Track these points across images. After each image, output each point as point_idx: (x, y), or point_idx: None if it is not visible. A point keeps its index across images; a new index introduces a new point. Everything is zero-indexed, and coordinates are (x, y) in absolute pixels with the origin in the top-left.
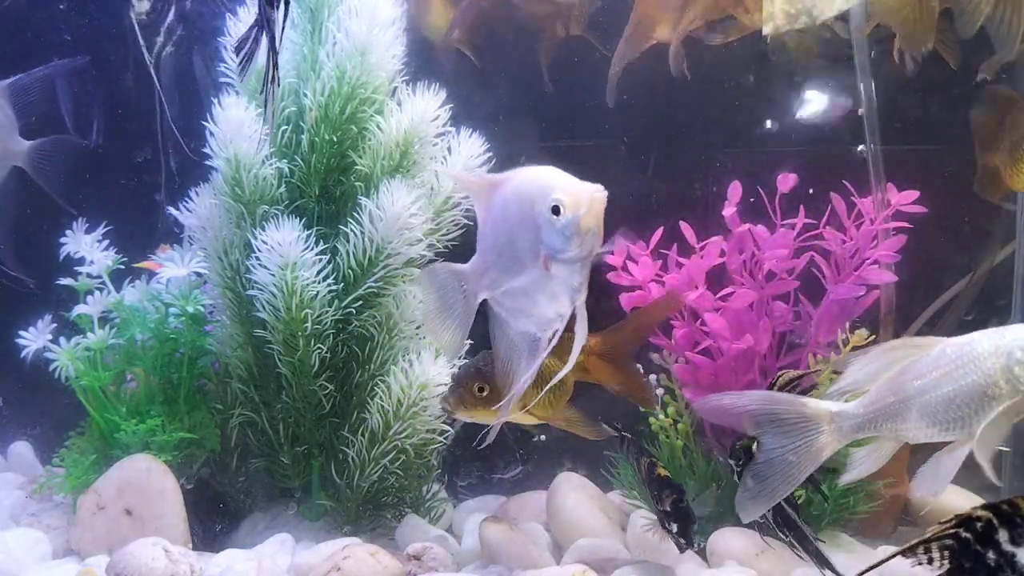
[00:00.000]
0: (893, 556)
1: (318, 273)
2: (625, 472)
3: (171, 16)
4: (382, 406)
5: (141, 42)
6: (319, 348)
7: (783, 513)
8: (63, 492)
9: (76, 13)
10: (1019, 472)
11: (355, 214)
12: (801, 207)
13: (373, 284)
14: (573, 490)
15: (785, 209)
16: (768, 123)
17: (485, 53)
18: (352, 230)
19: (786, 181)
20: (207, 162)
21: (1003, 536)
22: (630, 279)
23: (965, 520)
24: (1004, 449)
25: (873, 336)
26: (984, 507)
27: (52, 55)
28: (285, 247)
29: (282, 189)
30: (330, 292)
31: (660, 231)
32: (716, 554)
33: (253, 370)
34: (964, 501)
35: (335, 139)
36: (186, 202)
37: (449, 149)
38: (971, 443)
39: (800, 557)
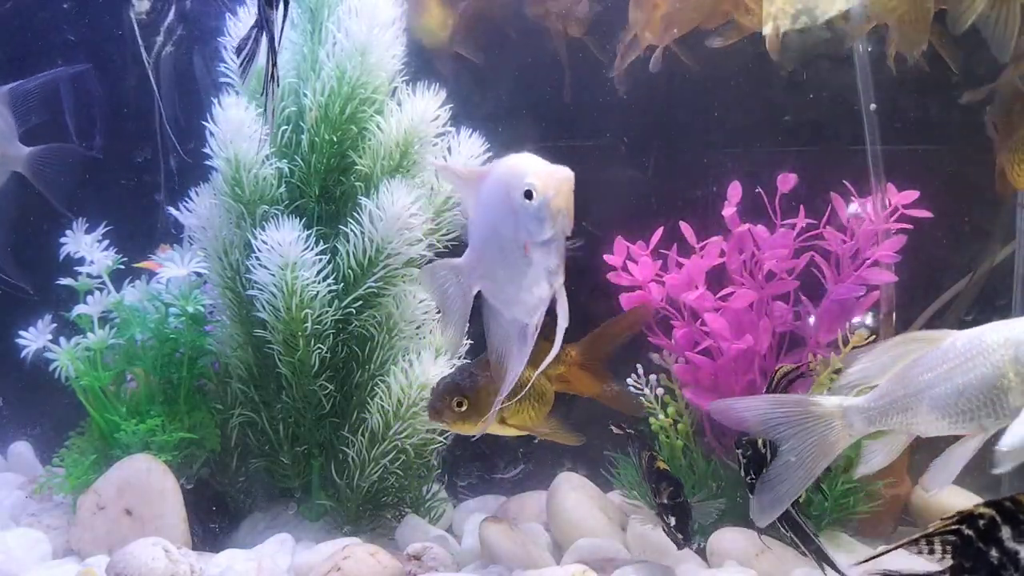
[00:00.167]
0: (894, 548)
1: (318, 273)
2: (625, 472)
3: (171, 16)
4: (382, 406)
5: (140, 42)
6: (319, 348)
7: (785, 512)
8: (63, 492)
9: (76, 13)
10: (1019, 472)
11: (355, 214)
12: (801, 207)
13: (373, 284)
14: (573, 490)
15: (785, 209)
16: (768, 123)
17: (485, 53)
18: (352, 230)
19: (786, 181)
20: (207, 162)
21: (1006, 533)
22: (630, 279)
23: (967, 517)
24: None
25: (873, 336)
26: (987, 504)
27: (52, 55)
28: (285, 247)
29: (282, 189)
30: (330, 292)
31: (660, 231)
32: (716, 554)
33: (253, 370)
34: (964, 501)
35: (335, 139)
36: (186, 202)
37: (449, 149)
38: (982, 436)
39: (803, 555)
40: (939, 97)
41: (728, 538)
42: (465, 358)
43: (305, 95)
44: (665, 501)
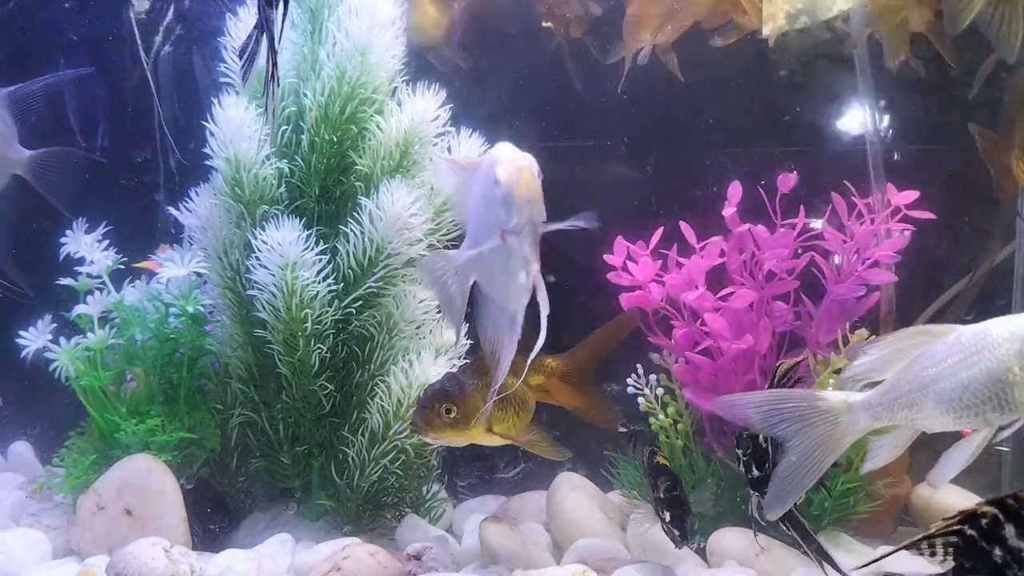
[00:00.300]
0: (896, 551)
1: (318, 273)
2: (625, 472)
3: (170, 15)
4: (382, 406)
5: (139, 42)
6: (319, 348)
7: (787, 511)
8: (63, 492)
9: (76, 13)
10: (1019, 472)
11: (355, 214)
12: (801, 207)
13: (373, 284)
14: (573, 490)
15: (785, 209)
16: (768, 123)
17: (485, 53)
18: (352, 230)
19: (786, 181)
20: (207, 162)
21: (1010, 531)
22: (630, 279)
23: (970, 516)
24: (1004, 449)
25: (873, 336)
26: (989, 502)
27: (52, 55)
28: (285, 247)
29: (282, 189)
30: (330, 292)
31: (660, 231)
32: (716, 554)
33: (253, 370)
34: (964, 500)
35: (335, 139)
36: (186, 202)
37: (449, 149)
38: (988, 430)
39: (805, 554)
40: (939, 97)
41: (728, 538)
42: (465, 358)
43: (305, 95)
44: (662, 495)
